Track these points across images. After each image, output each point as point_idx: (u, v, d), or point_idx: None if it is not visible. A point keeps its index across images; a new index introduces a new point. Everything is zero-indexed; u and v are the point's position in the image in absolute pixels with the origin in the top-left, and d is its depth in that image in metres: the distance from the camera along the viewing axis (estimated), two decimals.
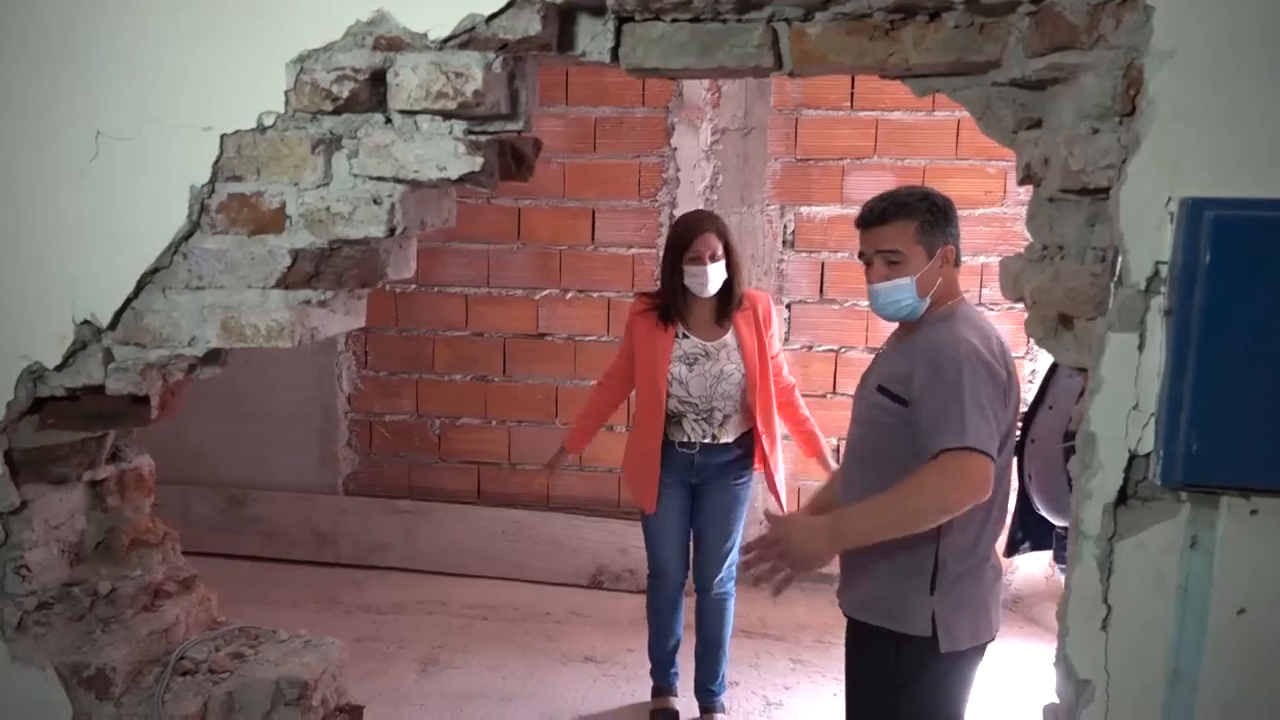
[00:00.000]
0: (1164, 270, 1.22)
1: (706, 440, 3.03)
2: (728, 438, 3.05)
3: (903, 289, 1.97)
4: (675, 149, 4.24)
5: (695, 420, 3.03)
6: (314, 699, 1.73)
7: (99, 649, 1.62)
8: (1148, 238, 1.22)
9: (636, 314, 3.11)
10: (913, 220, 1.95)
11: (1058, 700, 1.39)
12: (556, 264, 4.41)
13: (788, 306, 4.25)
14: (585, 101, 4.28)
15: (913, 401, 1.88)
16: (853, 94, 4.14)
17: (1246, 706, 1.25)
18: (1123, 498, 1.28)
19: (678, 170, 4.25)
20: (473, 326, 4.52)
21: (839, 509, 1.93)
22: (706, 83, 4.15)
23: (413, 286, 4.51)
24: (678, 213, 4.23)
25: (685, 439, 3.04)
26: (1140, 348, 1.24)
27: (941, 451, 1.78)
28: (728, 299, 3.01)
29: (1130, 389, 1.25)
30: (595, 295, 4.40)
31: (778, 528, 1.87)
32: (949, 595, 1.92)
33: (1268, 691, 1.24)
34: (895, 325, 2.12)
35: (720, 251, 2.94)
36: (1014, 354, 2.06)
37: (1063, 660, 1.33)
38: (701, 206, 4.21)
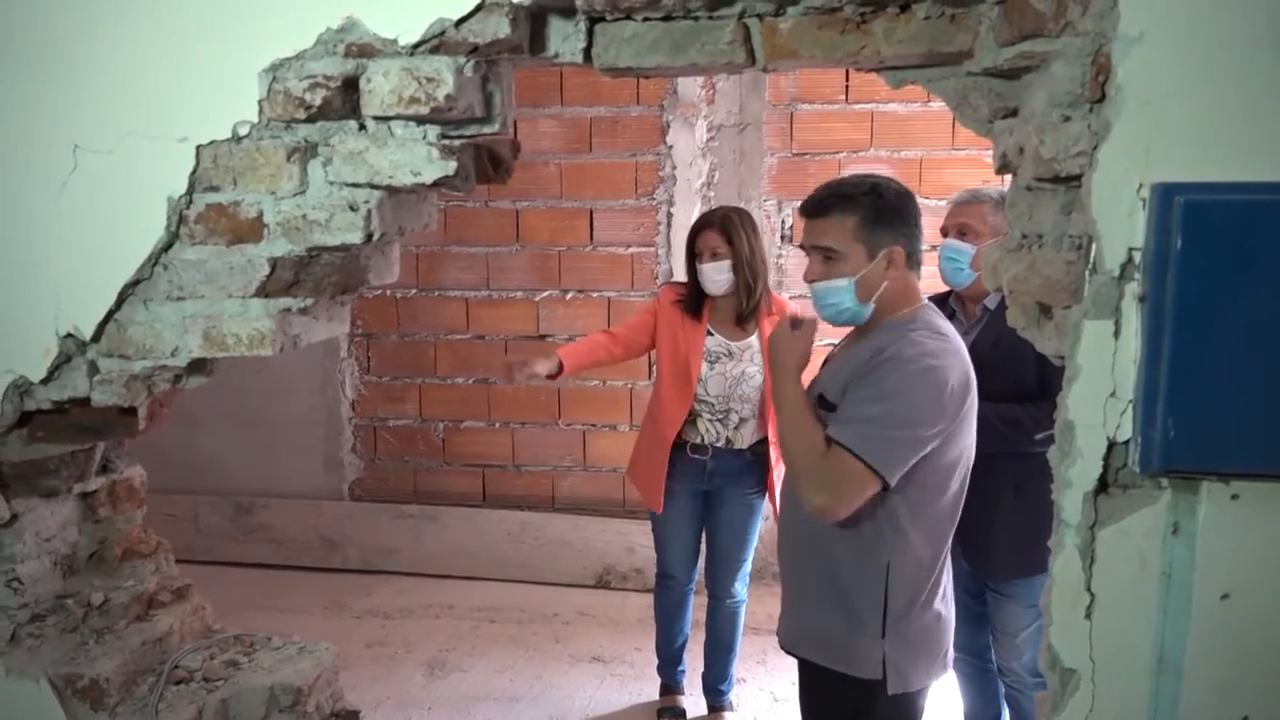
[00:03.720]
0: (1137, 256, 1.21)
1: (720, 444, 2.98)
2: (742, 443, 2.99)
3: (840, 291, 1.77)
4: (671, 147, 4.24)
5: (711, 420, 2.98)
6: (308, 705, 1.74)
7: (92, 660, 1.63)
8: (1120, 224, 1.21)
9: (669, 302, 3.03)
10: (853, 215, 1.74)
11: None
12: (555, 265, 4.42)
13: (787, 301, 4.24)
14: (580, 102, 4.28)
15: (840, 405, 1.75)
16: (848, 87, 4.13)
17: (1232, 692, 1.24)
18: (1103, 485, 1.27)
19: (674, 168, 4.25)
20: (474, 329, 4.53)
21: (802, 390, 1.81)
22: (701, 79, 4.15)
23: (413, 291, 4.53)
24: (675, 211, 4.25)
25: (699, 440, 2.99)
26: (1116, 335, 1.23)
27: (830, 440, 1.67)
28: (744, 300, 2.93)
29: (1107, 376, 1.24)
30: (595, 295, 4.41)
31: (804, 334, 1.81)
32: (901, 637, 1.78)
33: (1252, 676, 1.23)
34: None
35: (723, 250, 2.87)
36: None
37: (1048, 650, 1.32)
38: (699, 204, 4.22)
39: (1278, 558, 1.21)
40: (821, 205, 1.78)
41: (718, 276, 2.89)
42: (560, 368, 2.96)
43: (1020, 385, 2.34)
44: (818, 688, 1.89)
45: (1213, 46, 1.16)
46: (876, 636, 1.78)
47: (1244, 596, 1.22)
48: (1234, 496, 1.21)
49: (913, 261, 1.81)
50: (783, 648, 1.96)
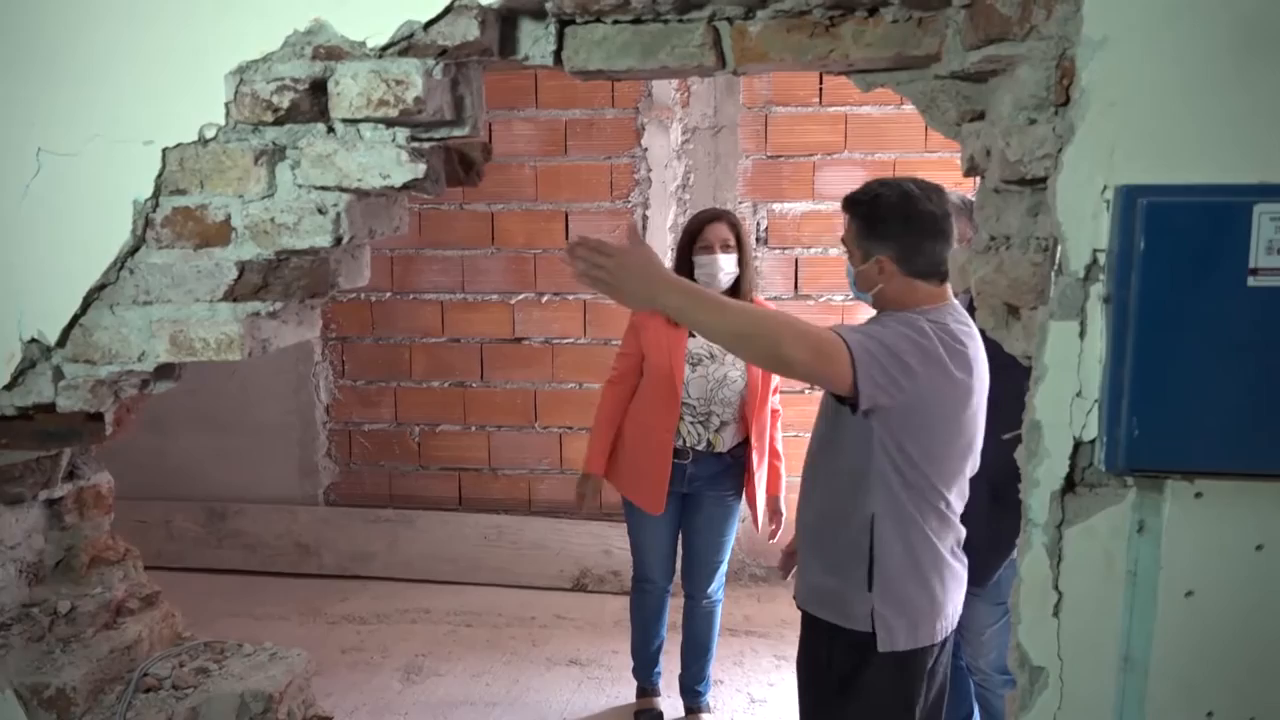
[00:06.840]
0: (1102, 258, 1.22)
1: (700, 447, 3.00)
2: (723, 446, 3.02)
3: (850, 274, 1.99)
4: (646, 149, 4.25)
5: (692, 422, 3.00)
6: (280, 712, 1.72)
7: (59, 669, 1.61)
8: (1085, 226, 1.23)
9: (646, 314, 2.99)
10: (854, 221, 1.92)
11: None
12: (531, 268, 4.41)
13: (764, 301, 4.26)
14: (555, 104, 4.28)
15: None
16: (821, 89, 4.15)
17: (1196, 688, 1.25)
18: (1070, 485, 1.28)
19: (649, 171, 4.26)
20: (449, 333, 4.51)
21: (685, 281, 1.76)
22: (675, 82, 4.16)
23: (388, 294, 4.51)
24: (650, 213, 4.25)
25: (680, 443, 3.01)
26: (1081, 335, 1.24)
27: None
28: (740, 291, 2.95)
29: (1073, 376, 1.25)
30: (571, 298, 4.40)
31: (627, 250, 1.63)
32: (890, 594, 1.88)
33: (1216, 673, 1.25)
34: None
35: (732, 243, 2.92)
36: None
37: (1017, 648, 1.33)
38: (674, 206, 4.24)
39: (1240, 555, 1.22)
40: (843, 204, 1.96)
41: (729, 268, 2.93)
42: (604, 471, 3.16)
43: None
44: (815, 642, 2.00)
45: (1175, 51, 1.17)
46: (863, 588, 1.88)
47: (1207, 594, 1.24)
48: (1198, 495, 1.23)
49: (911, 269, 1.88)
50: (796, 605, 2.06)
